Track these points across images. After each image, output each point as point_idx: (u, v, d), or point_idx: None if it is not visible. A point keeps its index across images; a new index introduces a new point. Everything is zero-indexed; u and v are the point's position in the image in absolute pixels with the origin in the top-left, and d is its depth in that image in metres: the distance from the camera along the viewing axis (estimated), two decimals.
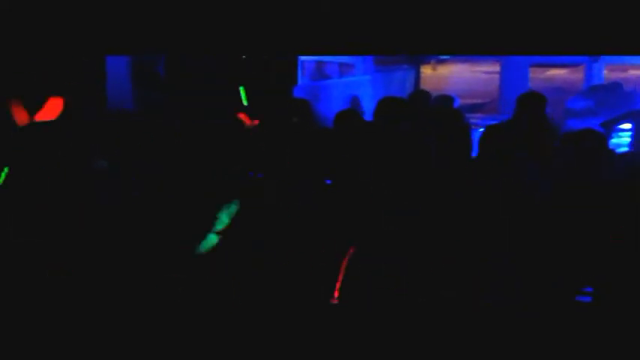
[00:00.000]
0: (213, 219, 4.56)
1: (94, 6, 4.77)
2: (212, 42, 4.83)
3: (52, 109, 5.29)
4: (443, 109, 6.36)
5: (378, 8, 4.56)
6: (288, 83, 7.03)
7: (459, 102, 7.22)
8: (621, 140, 6.37)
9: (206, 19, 4.71)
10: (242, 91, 5.35)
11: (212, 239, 4.52)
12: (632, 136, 6.31)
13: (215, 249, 4.46)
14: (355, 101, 7.65)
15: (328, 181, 5.05)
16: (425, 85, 8.81)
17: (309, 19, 4.64)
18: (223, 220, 4.58)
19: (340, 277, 4.23)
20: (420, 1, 4.57)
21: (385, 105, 5.91)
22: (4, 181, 4.63)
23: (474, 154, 4.98)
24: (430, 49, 5.68)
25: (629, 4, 4.30)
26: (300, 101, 6.15)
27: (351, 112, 6.21)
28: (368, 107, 6.23)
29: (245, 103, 5.47)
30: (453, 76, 9.77)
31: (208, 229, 4.52)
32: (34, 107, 5.34)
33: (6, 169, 4.67)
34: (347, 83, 8.15)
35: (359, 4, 4.61)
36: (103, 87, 6.39)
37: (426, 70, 9.57)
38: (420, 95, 6.69)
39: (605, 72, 9.41)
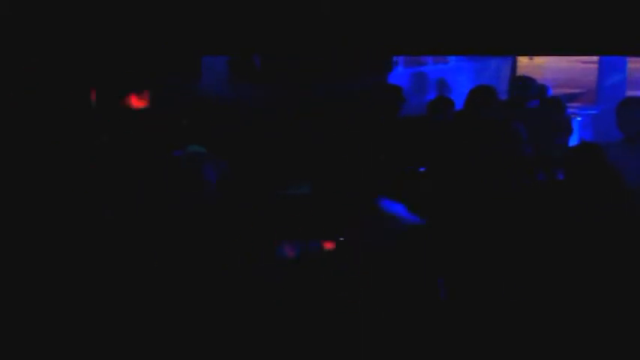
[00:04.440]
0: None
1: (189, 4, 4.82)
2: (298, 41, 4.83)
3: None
4: (545, 98, 6.33)
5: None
6: (383, 70, 7.03)
7: (552, 91, 7.14)
8: None
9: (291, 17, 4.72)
10: None
11: None
12: None
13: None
14: (442, 84, 7.63)
15: (422, 169, 5.04)
16: (521, 74, 8.69)
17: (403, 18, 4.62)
18: None
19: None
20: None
21: (477, 93, 5.89)
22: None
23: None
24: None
25: None
26: (394, 88, 6.15)
27: (444, 100, 6.20)
28: (462, 95, 6.19)
29: None
30: (549, 65, 9.61)
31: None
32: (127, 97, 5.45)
33: None
34: (441, 70, 8.10)
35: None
36: (198, 77, 6.48)
37: (523, 59, 9.45)
38: (522, 81, 6.63)
39: None
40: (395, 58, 7.38)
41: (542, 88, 6.80)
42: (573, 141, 6.26)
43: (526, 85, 6.43)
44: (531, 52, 7.32)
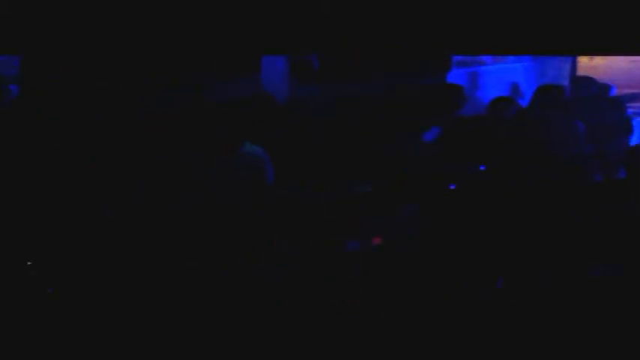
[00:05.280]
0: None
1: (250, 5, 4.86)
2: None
3: None
4: (603, 97, 6.29)
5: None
6: (441, 69, 7.02)
7: (615, 90, 7.09)
8: None
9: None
10: None
11: None
12: None
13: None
14: (515, 88, 7.62)
15: (482, 167, 5.05)
16: (581, 74, 8.63)
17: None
18: None
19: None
20: None
21: (542, 93, 5.88)
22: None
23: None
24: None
25: None
26: (455, 87, 6.15)
27: (506, 99, 6.20)
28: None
29: None
30: (609, 66, 9.51)
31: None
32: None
33: None
34: (501, 70, 8.08)
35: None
36: (258, 76, 6.53)
37: (582, 59, 9.36)
38: (582, 81, 6.62)
39: None
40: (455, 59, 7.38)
41: (605, 88, 6.76)
42: (634, 140, 6.22)
43: (588, 85, 6.42)
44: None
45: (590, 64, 9.41)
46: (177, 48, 4.82)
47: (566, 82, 7.94)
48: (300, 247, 4.09)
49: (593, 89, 6.59)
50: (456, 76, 7.22)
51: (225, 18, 4.64)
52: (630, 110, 6.93)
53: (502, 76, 8.01)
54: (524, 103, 6.20)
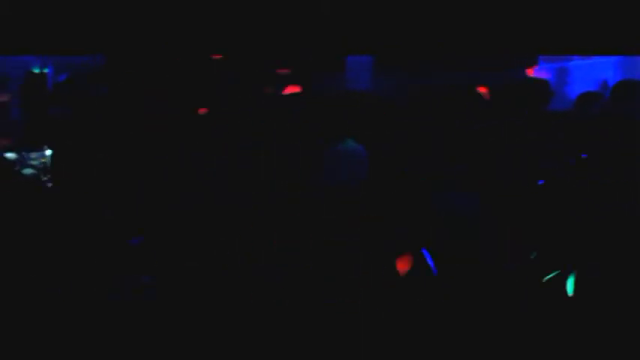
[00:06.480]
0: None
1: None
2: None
3: None
4: None
5: None
6: (528, 64, 7.00)
7: None
8: None
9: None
10: None
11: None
12: None
13: None
14: (604, 84, 7.55)
15: (572, 162, 5.03)
16: None
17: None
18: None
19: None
20: None
21: (621, 88, 5.83)
22: None
23: None
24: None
25: None
26: (541, 82, 6.12)
27: (592, 94, 6.15)
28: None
29: None
30: None
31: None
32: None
33: None
34: (590, 65, 8.01)
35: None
36: (342, 69, 6.58)
37: None
38: None
39: None
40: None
41: None
42: None
43: None
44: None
45: None
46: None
47: None
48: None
49: None
50: (543, 72, 7.19)
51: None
52: None
53: (589, 71, 7.94)
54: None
